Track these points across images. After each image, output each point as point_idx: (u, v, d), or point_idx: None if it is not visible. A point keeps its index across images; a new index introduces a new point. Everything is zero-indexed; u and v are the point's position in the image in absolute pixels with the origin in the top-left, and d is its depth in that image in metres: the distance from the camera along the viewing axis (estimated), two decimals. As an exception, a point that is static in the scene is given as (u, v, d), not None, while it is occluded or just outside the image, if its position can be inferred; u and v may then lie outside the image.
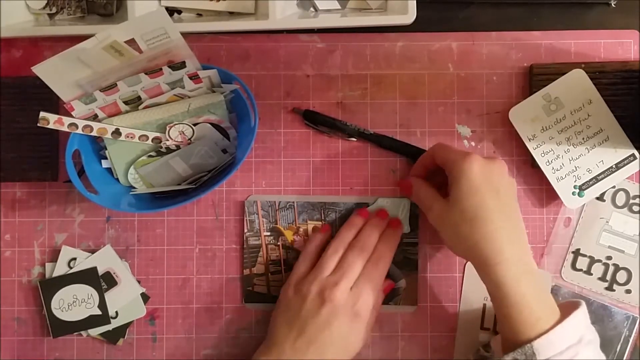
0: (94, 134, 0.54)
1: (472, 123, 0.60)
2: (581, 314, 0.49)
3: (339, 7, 0.59)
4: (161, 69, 0.52)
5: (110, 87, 0.52)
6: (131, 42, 0.48)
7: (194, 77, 0.54)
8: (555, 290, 0.59)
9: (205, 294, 0.59)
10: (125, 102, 0.55)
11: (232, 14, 0.60)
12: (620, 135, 0.58)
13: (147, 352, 0.59)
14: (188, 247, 0.60)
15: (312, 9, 0.60)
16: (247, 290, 0.59)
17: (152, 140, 0.55)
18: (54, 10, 0.59)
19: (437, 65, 0.60)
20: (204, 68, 0.54)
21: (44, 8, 0.59)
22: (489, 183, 0.50)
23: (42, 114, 0.51)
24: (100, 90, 0.52)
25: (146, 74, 0.52)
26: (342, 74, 0.60)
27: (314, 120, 0.59)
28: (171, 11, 0.60)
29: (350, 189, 0.60)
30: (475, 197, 0.49)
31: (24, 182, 0.60)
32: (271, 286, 0.59)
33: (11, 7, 0.57)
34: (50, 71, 0.48)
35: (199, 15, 0.60)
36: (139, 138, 0.55)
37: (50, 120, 0.52)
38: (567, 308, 0.50)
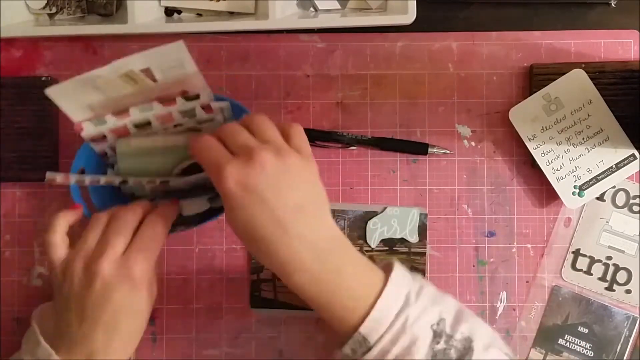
0: (101, 184, 0.52)
1: (472, 123, 0.60)
2: (398, 276, 0.44)
3: (339, 7, 0.59)
4: (174, 99, 0.50)
5: (122, 112, 0.50)
6: (145, 70, 0.47)
7: (206, 107, 0.52)
8: (555, 291, 0.59)
9: (205, 294, 0.59)
10: (135, 126, 0.54)
11: (232, 14, 0.60)
12: (620, 135, 0.58)
13: (147, 352, 0.59)
14: (188, 247, 0.60)
15: (312, 9, 0.60)
16: (254, 295, 0.59)
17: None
18: (53, 10, 0.59)
19: (437, 65, 0.60)
20: (217, 99, 0.51)
21: (43, 8, 0.59)
22: (251, 194, 0.42)
23: (48, 174, 0.49)
24: (111, 114, 0.51)
25: (159, 102, 0.50)
26: (342, 74, 0.60)
27: (310, 137, 0.58)
28: (171, 11, 0.60)
29: (350, 188, 0.59)
30: (241, 219, 0.43)
31: (24, 182, 0.59)
32: (278, 292, 0.59)
33: (11, 7, 0.57)
34: (63, 94, 0.47)
35: (199, 15, 0.60)
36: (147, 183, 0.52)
37: (57, 179, 0.50)
38: (385, 268, 0.45)
